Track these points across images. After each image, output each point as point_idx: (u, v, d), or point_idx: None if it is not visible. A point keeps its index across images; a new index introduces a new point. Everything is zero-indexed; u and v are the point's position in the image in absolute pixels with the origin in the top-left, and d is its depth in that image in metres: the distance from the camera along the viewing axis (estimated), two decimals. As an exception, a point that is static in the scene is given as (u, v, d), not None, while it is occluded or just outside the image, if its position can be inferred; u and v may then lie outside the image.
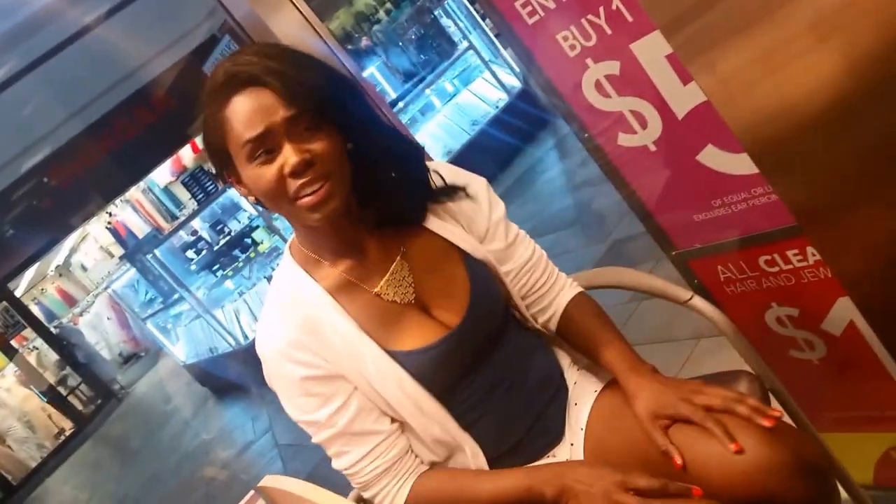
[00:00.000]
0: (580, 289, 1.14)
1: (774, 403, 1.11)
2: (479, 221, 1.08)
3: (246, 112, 0.87)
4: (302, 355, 0.96)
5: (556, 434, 1.07)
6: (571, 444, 1.06)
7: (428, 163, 1.06)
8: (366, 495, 1.01)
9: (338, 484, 1.01)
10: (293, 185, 0.88)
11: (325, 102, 0.88)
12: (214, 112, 0.90)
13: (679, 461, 0.87)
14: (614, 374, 1.01)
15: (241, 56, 0.89)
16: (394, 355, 0.98)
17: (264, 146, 0.87)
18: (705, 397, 0.89)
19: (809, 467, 0.83)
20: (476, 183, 1.10)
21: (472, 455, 1.02)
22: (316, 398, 0.97)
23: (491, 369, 1.04)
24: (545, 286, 1.12)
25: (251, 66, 0.87)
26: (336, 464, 1.01)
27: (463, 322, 1.00)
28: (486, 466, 1.03)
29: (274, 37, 1.39)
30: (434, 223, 1.04)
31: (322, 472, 0.96)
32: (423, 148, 1.04)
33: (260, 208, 4.66)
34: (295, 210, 0.90)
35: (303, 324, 0.97)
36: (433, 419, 0.99)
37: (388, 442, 0.99)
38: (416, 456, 1.03)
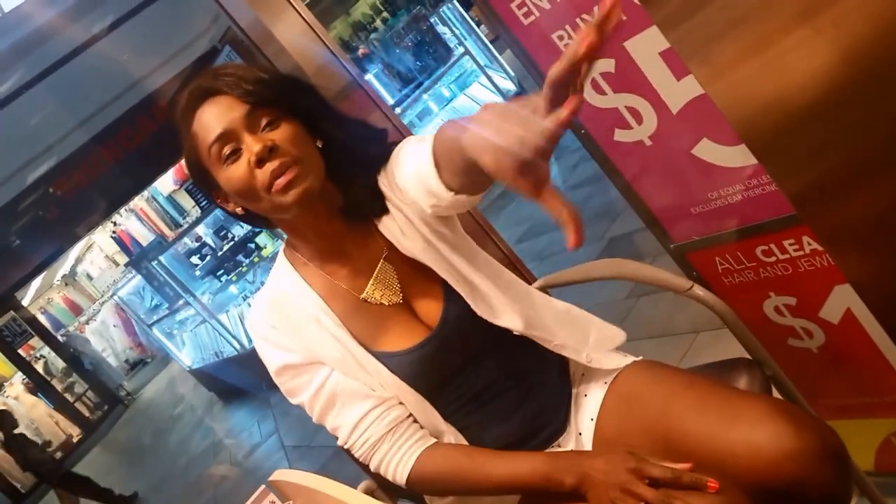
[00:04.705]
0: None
1: (775, 393, 1.12)
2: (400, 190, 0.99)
3: (208, 119, 0.92)
4: (283, 340, 1.00)
5: (557, 427, 1.06)
6: (579, 434, 1.05)
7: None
8: (371, 467, 1.01)
9: (347, 481, 1.03)
10: (263, 175, 0.90)
11: (279, 96, 0.92)
12: (186, 132, 0.95)
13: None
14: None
15: (198, 78, 0.94)
16: (378, 356, 0.99)
17: (229, 144, 0.91)
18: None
19: (833, 453, 0.84)
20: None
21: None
22: (296, 385, 1.00)
23: (480, 373, 1.03)
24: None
25: (207, 80, 0.93)
26: (339, 441, 1.02)
27: (441, 323, 1.00)
28: None
29: (278, 43, 1.41)
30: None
31: (330, 471, 0.98)
32: (387, 131, 1.03)
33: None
34: (272, 200, 0.91)
35: (288, 318, 1.00)
36: (422, 415, 1.01)
37: (377, 412, 0.99)
38: (422, 428, 1.02)
